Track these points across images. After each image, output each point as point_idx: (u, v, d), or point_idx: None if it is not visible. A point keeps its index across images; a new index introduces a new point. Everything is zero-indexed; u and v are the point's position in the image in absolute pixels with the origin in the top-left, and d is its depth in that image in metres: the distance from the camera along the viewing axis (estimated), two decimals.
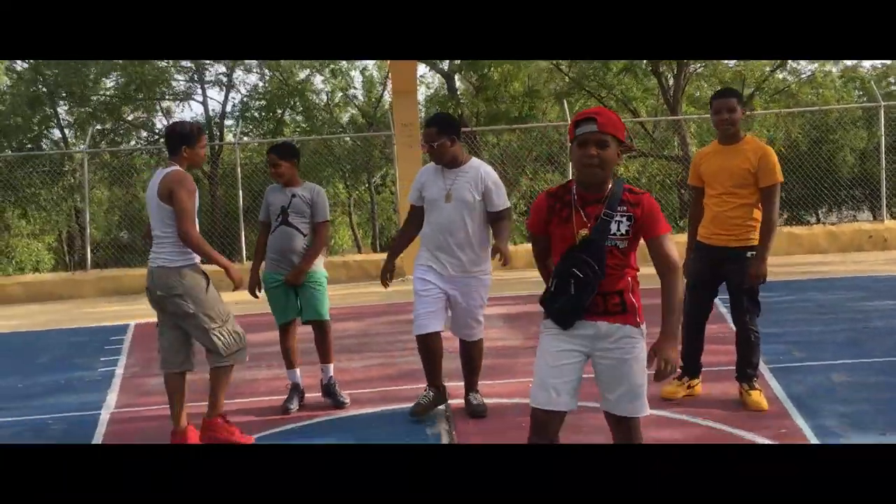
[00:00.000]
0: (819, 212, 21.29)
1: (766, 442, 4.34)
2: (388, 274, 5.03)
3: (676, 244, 3.23)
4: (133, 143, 19.97)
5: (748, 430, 4.53)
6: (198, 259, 4.59)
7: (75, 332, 8.92)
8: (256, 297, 5.40)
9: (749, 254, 4.84)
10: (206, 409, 4.70)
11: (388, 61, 10.52)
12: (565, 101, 16.05)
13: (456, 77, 19.23)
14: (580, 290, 3.07)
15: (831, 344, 6.40)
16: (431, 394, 5.02)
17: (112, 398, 6.09)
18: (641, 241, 3.16)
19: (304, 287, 5.30)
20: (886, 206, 13.21)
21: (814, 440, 4.34)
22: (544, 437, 3.14)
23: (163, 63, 18.94)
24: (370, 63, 21.33)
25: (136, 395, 6.17)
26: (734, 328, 5.07)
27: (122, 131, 19.80)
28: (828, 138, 20.41)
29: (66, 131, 21.06)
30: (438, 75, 20.50)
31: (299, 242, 5.27)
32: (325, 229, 5.39)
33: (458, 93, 19.36)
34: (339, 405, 5.39)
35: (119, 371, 6.92)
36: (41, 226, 20.70)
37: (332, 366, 5.50)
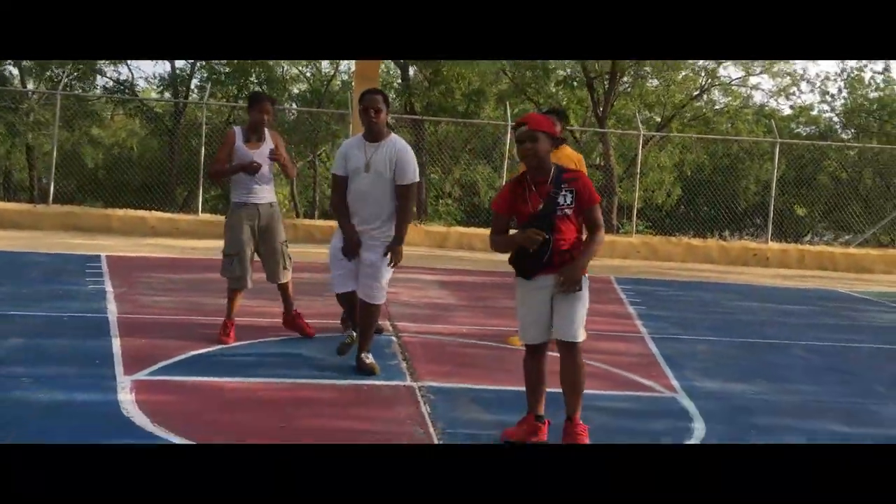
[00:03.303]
0: (722, 234, 23.41)
1: (640, 379, 5.85)
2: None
3: None
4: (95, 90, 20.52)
5: (630, 372, 6.05)
6: (243, 199, 6.02)
7: (53, 257, 9.84)
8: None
9: None
10: None
11: None
12: (507, 103, 17.56)
13: (410, 68, 20.51)
14: (536, 251, 4.07)
15: (701, 326, 8.04)
16: (353, 334, 5.71)
17: (113, 307, 7.14)
18: None
19: None
20: (773, 230, 15.21)
21: (674, 381, 5.87)
22: (535, 357, 4.29)
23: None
24: None
25: (135, 306, 7.25)
26: None
27: (77, 76, 20.29)
28: (736, 167, 22.58)
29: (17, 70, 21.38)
30: (394, 65, 21.75)
31: None
32: None
33: (409, 83, 20.65)
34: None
35: (109, 289, 7.91)
36: None
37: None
